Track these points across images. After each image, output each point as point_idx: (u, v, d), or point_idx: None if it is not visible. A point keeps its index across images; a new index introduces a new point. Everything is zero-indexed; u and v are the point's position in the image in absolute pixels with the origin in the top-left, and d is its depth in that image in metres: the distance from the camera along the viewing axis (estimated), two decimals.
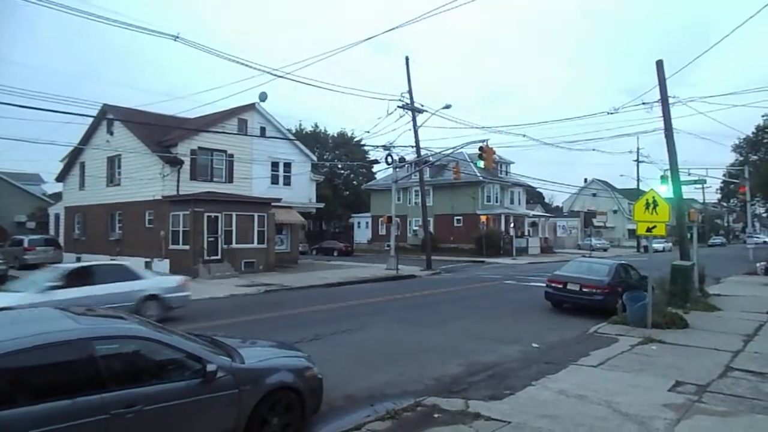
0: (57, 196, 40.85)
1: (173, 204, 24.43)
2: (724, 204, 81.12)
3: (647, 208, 11.91)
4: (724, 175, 51.37)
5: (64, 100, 28.81)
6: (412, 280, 25.15)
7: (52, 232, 36.03)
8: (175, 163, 25.31)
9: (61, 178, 34.52)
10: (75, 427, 3.95)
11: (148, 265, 25.76)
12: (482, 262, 37.41)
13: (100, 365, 4.27)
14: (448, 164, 40.92)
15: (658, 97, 17.19)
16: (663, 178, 20.20)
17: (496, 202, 47.88)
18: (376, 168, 54.26)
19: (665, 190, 18.38)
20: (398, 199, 39.85)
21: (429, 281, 24.60)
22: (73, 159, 32.65)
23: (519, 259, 39.66)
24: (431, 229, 39.05)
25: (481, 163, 25.32)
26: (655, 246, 28.72)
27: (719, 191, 76.60)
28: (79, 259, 30.66)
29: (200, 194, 24.20)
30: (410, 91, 29.25)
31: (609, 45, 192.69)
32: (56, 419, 3.88)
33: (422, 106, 29.53)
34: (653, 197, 11.94)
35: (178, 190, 25.11)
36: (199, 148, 26.44)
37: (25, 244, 26.74)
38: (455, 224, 46.97)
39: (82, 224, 31.97)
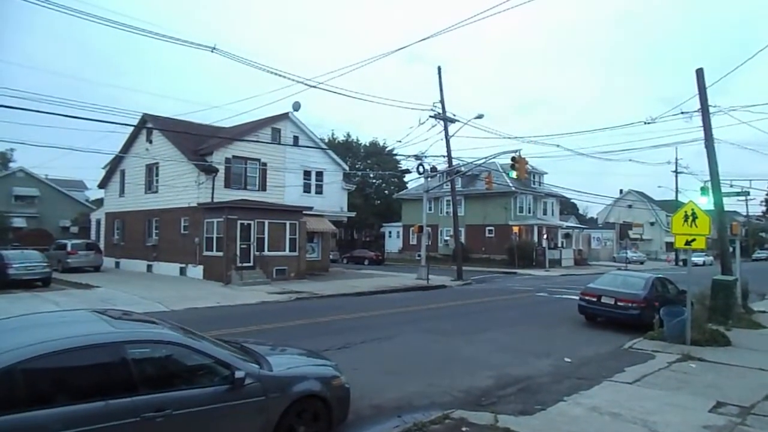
0: (99, 202, 42.39)
1: (208, 211, 24.96)
2: None
3: (686, 220, 11.53)
4: None
5: (107, 110, 29.94)
6: (443, 290, 24.96)
7: (93, 236, 37.30)
8: (210, 171, 25.89)
9: (102, 184, 35.75)
10: (107, 428, 4.04)
11: (182, 271, 26.40)
12: (514, 273, 36.88)
13: (132, 369, 4.36)
14: (480, 174, 40.60)
15: (698, 106, 16.70)
16: (703, 189, 19.56)
17: (529, 212, 47.20)
18: (407, 177, 54.33)
19: (705, 202, 17.82)
20: (429, 209, 39.67)
21: (460, 292, 24.37)
22: (114, 167, 33.79)
23: (552, 271, 38.92)
24: (462, 239, 38.77)
25: (514, 174, 24.99)
26: (695, 260, 27.79)
27: (764, 203, 73.70)
28: (117, 264, 31.68)
29: (234, 202, 24.65)
30: (442, 101, 29.22)
31: (646, 53, 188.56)
32: (89, 420, 3.97)
33: (454, 115, 29.49)
34: (693, 209, 11.56)
35: (212, 198, 25.66)
36: (234, 156, 26.99)
37: (69, 248, 27.67)
38: (487, 235, 46.48)
39: (121, 230, 32.97)
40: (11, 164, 54.32)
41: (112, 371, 4.27)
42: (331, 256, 35.39)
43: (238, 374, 4.84)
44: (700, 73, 16.58)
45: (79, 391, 4.11)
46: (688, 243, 11.56)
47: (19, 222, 44.57)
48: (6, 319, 5.14)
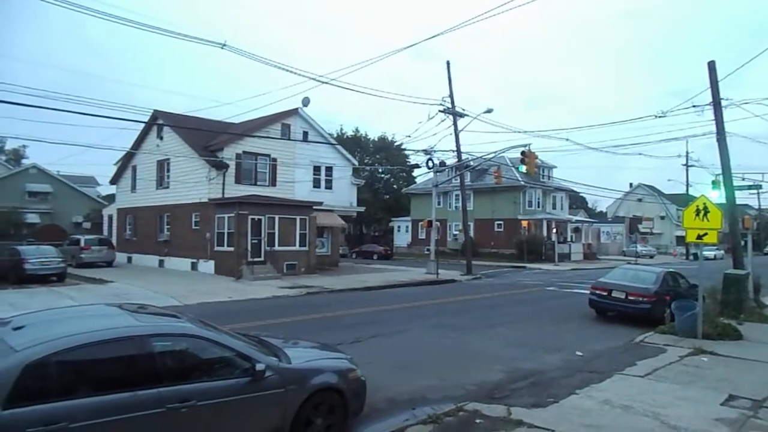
0: (111, 198, 42.77)
1: (219, 207, 25.16)
2: None
3: (698, 214, 11.52)
4: None
5: (118, 107, 30.21)
6: (453, 284, 25.04)
7: (105, 232, 37.69)
8: (221, 166, 26.07)
9: (114, 180, 36.09)
10: (134, 418, 4.18)
11: (194, 266, 26.65)
12: (523, 267, 36.86)
13: (157, 361, 4.50)
14: (489, 168, 40.54)
15: (710, 99, 16.59)
16: (714, 183, 19.44)
17: (538, 206, 47.10)
18: (416, 172, 54.44)
19: (717, 196, 17.75)
20: (438, 204, 39.70)
21: (469, 286, 24.44)
22: (125, 163, 34.10)
23: (561, 265, 38.86)
24: (471, 233, 38.77)
25: (523, 168, 24.99)
26: (706, 254, 27.66)
27: None
28: (130, 259, 32.03)
29: (244, 197, 24.82)
30: (451, 95, 29.21)
31: (657, 46, 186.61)
32: (118, 410, 4.11)
33: (463, 110, 29.50)
34: (704, 203, 11.55)
35: (223, 193, 25.85)
36: (244, 152, 27.15)
37: (82, 244, 28.03)
38: (496, 229, 46.45)
39: (133, 225, 33.31)
40: (24, 160, 54.93)
41: (140, 363, 4.41)
42: (340, 251, 35.53)
43: (259, 366, 4.96)
44: (711, 66, 16.46)
45: (109, 381, 4.26)
46: (699, 237, 11.55)
47: (32, 218, 45.09)
48: (37, 312, 5.30)
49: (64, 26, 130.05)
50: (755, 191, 28.98)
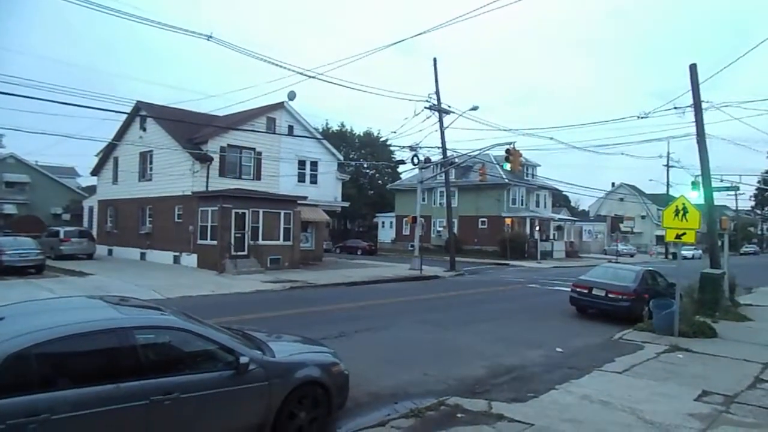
0: (91, 190, 42.11)
1: (202, 200, 24.95)
2: (758, 211, 79.06)
3: (677, 214, 11.73)
4: (758, 182, 50.07)
5: (100, 97, 29.66)
6: (436, 280, 25.18)
7: (86, 224, 37.10)
8: (205, 159, 25.83)
9: (95, 172, 35.51)
10: (117, 411, 4.17)
11: (176, 260, 26.41)
12: (506, 264, 37.20)
13: (140, 353, 4.49)
14: (474, 166, 40.78)
15: (691, 101, 16.88)
16: (694, 183, 19.79)
17: (522, 204, 47.52)
18: (401, 168, 54.48)
19: (696, 197, 18.06)
20: (423, 200, 39.79)
21: (453, 282, 24.60)
22: (107, 154, 33.57)
23: (543, 263, 39.30)
24: (455, 230, 38.98)
25: (508, 166, 25.17)
26: (684, 253, 28.18)
27: (753, 198, 74.57)
28: (110, 252, 31.61)
29: (228, 191, 24.65)
30: (437, 92, 29.25)
31: (641, 47, 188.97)
32: (100, 402, 4.09)
33: (449, 107, 29.52)
34: (683, 203, 11.76)
35: (207, 187, 25.63)
36: (229, 145, 26.93)
37: (61, 236, 27.51)
38: (480, 226, 46.77)
39: (114, 217, 32.84)
40: (0, 150, 53.74)
41: (123, 355, 4.39)
42: (324, 246, 35.47)
43: (243, 360, 4.96)
44: (693, 69, 16.74)
45: (92, 373, 4.24)
46: (678, 237, 11.76)
47: (9, 208, 44.32)
48: (18, 304, 5.23)
49: (43, 13, 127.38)
50: (733, 192, 29.63)
